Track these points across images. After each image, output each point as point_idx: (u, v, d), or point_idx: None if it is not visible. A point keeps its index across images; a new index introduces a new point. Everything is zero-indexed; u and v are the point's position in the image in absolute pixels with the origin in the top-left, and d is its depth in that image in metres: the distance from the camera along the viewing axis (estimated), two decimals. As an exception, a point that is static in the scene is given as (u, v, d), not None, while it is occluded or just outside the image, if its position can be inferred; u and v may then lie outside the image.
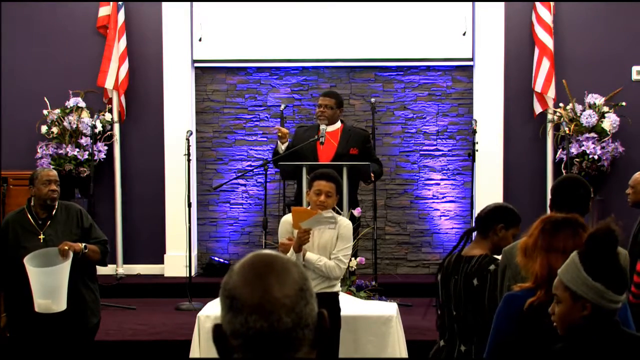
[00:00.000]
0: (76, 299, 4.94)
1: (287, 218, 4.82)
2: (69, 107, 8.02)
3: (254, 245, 8.14)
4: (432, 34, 8.12)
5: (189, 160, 7.33)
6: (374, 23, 8.14)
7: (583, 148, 7.56)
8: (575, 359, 2.43)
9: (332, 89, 7.91)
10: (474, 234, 3.92)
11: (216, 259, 8.14)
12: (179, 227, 7.79)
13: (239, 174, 8.13)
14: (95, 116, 7.88)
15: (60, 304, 4.84)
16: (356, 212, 5.96)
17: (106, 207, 8.11)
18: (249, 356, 1.56)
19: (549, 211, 4.15)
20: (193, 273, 7.45)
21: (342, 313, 4.82)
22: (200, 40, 8.21)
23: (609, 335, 2.42)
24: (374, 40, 8.15)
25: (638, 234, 5.09)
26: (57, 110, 7.98)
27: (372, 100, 7.59)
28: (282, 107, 7.62)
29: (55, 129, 7.92)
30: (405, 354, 5.17)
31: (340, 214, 5.36)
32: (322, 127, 6.37)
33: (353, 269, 5.75)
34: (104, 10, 8.10)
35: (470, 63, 8.14)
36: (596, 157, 7.55)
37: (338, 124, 6.61)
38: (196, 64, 8.31)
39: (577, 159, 7.61)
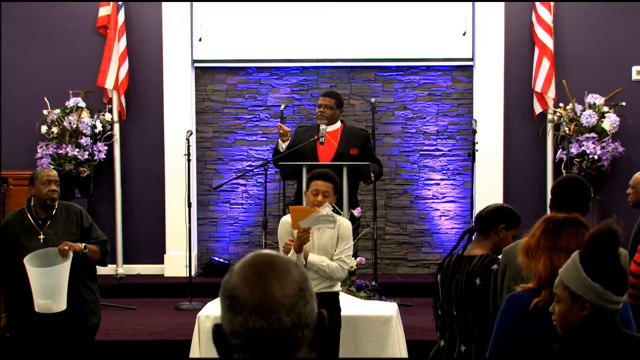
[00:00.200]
0: (76, 299, 4.94)
1: (287, 218, 4.81)
2: (69, 107, 8.02)
3: (254, 245, 8.14)
4: (432, 34, 8.12)
5: (189, 160, 7.33)
6: (374, 23, 8.14)
7: (583, 148, 7.56)
8: (572, 359, 2.43)
9: (332, 89, 7.91)
10: (473, 234, 3.93)
11: (216, 259, 8.14)
12: (179, 227, 7.79)
13: (239, 174, 8.13)
14: (95, 116, 7.88)
15: (60, 304, 4.84)
16: (356, 212, 5.96)
17: (106, 207, 8.11)
18: (249, 356, 1.56)
19: (549, 211, 4.14)
20: (193, 273, 7.45)
21: (342, 313, 4.81)
22: (200, 40, 8.21)
23: (607, 335, 2.42)
24: (374, 40, 8.15)
25: (638, 234, 5.09)
26: (57, 110, 7.98)
27: (372, 100, 7.59)
28: (282, 107, 7.62)
29: (55, 129, 7.92)
30: (405, 354, 5.17)
31: (340, 214, 5.35)
32: (322, 127, 6.37)
33: (353, 269, 5.75)
34: (104, 10, 8.11)
35: (470, 63, 8.14)
36: (596, 157, 7.55)
37: (338, 124, 6.61)
38: (196, 64, 8.31)
39: (577, 159, 7.61)
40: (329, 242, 4.72)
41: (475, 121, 7.63)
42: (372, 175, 6.36)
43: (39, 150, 7.92)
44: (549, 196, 4.48)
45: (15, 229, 4.98)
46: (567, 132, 7.64)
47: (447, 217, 8.24)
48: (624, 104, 7.70)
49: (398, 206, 8.27)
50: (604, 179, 7.78)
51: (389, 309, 5.30)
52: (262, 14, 8.19)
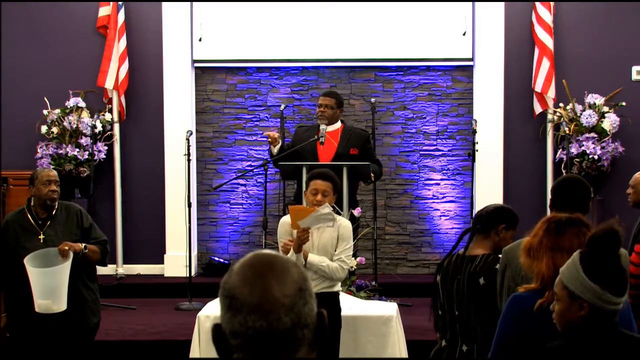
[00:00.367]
0: (76, 299, 4.94)
1: (286, 219, 4.81)
2: (69, 107, 8.02)
3: (254, 245, 8.14)
4: (432, 34, 8.12)
5: (189, 160, 7.33)
6: (374, 23, 8.14)
7: (583, 148, 7.56)
8: (570, 359, 2.43)
9: (332, 89, 7.91)
10: (474, 234, 3.94)
11: (216, 259, 8.14)
12: (179, 227, 7.79)
13: (239, 174, 8.13)
14: (95, 116, 7.88)
15: (61, 304, 4.84)
16: (356, 212, 5.96)
17: (106, 207, 8.11)
18: (248, 356, 1.56)
19: (549, 211, 4.14)
20: (193, 273, 7.45)
21: (342, 313, 4.81)
22: (200, 40, 8.21)
23: (605, 335, 2.42)
24: (374, 40, 8.15)
25: (638, 234, 5.09)
26: (57, 110, 7.98)
27: (372, 100, 7.59)
28: (282, 107, 7.62)
29: (55, 129, 7.92)
30: (405, 354, 5.17)
31: (340, 214, 5.35)
32: (322, 127, 6.36)
33: (353, 269, 5.75)
34: (104, 10, 8.11)
35: (470, 63, 8.14)
36: (596, 157, 7.55)
37: (338, 124, 6.61)
38: (196, 64, 8.31)
39: (577, 159, 7.61)
40: (328, 242, 4.72)
41: (475, 121, 7.63)
42: (372, 175, 6.36)
43: (39, 150, 7.92)
44: (549, 196, 4.48)
45: (15, 229, 4.98)
46: (567, 132, 7.64)
47: (447, 217, 8.24)
48: (624, 104, 7.70)
49: (398, 206, 8.27)
50: (604, 179, 7.78)
51: (389, 309, 5.30)
52: (262, 14, 8.19)
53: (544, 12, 7.84)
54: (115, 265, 8.05)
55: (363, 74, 8.31)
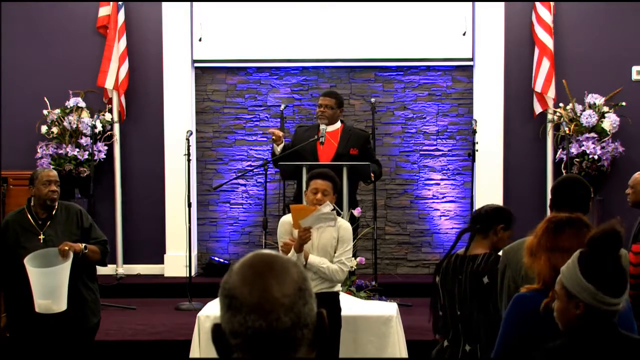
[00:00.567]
0: (76, 299, 4.94)
1: (286, 218, 4.82)
2: (69, 107, 8.02)
3: (254, 245, 8.13)
4: (432, 34, 8.12)
5: (189, 160, 7.33)
6: (374, 23, 8.14)
7: (583, 148, 7.56)
8: (567, 358, 2.44)
9: (332, 89, 7.91)
10: (469, 234, 3.97)
11: (216, 259, 8.14)
12: (179, 227, 7.79)
13: (239, 174, 8.13)
14: (95, 116, 7.88)
15: (61, 304, 4.84)
16: (356, 212, 5.96)
17: (106, 207, 8.11)
18: (248, 356, 1.56)
19: (549, 211, 4.15)
20: (193, 273, 7.45)
21: (342, 313, 4.82)
22: (200, 40, 8.21)
23: (603, 336, 2.42)
24: (374, 40, 8.15)
25: (638, 234, 5.10)
26: (57, 110, 7.98)
27: (372, 100, 7.59)
28: (282, 107, 7.62)
29: (55, 129, 7.92)
30: (405, 354, 5.17)
31: (340, 214, 5.36)
32: (322, 127, 6.36)
33: (353, 269, 5.75)
34: (104, 10, 8.11)
35: (470, 63, 8.14)
36: (596, 157, 7.55)
37: (338, 124, 6.61)
38: (196, 64, 8.31)
39: (577, 159, 7.61)
40: (328, 243, 4.72)
41: (475, 121, 7.63)
42: (372, 175, 6.36)
43: (39, 150, 7.92)
44: (549, 196, 4.48)
45: (15, 229, 4.98)
46: (567, 132, 7.64)
47: (447, 217, 8.24)
48: (624, 104, 7.70)
49: (398, 206, 8.27)
50: (604, 179, 7.78)
51: (389, 309, 5.30)
52: (262, 14, 8.19)
53: (544, 12, 7.84)
54: (115, 265, 8.05)
55: (363, 74, 8.31)
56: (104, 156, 8.02)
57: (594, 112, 7.66)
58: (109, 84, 8.03)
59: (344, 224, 4.80)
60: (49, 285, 4.80)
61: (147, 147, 8.23)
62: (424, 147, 8.27)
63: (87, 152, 7.85)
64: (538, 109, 7.93)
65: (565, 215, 2.99)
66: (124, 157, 8.22)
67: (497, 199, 7.82)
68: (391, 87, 8.29)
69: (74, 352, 5.01)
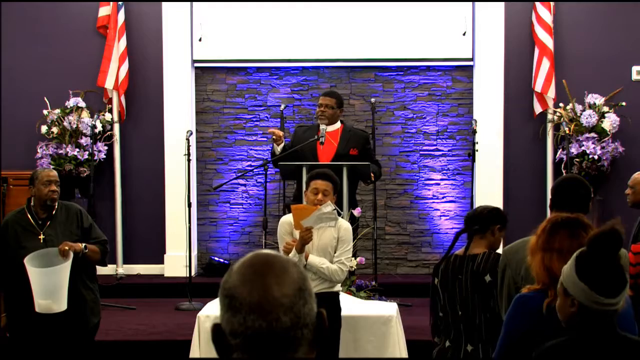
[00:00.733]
0: (76, 299, 4.94)
1: (286, 219, 4.82)
2: (69, 107, 8.02)
3: (254, 245, 8.13)
4: (432, 34, 8.12)
5: (189, 160, 7.33)
6: (374, 23, 8.14)
7: (583, 148, 7.56)
8: (562, 357, 2.44)
9: (332, 89, 7.90)
10: (465, 235, 4.01)
11: (216, 259, 8.14)
12: (179, 227, 7.79)
13: (239, 174, 8.13)
14: (95, 116, 7.87)
15: (61, 304, 4.84)
16: (356, 212, 5.96)
17: (106, 207, 8.11)
18: (248, 355, 1.56)
19: (549, 211, 4.15)
20: (193, 273, 7.45)
21: (342, 313, 4.82)
22: (200, 40, 8.21)
23: (598, 335, 2.43)
24: (374, 40, 8.15)
25: (638, 234, 5.10)
26: (57, 110, 7.98)
27: (372, 100, 7.59)
28: (282, 107, 7.62)
29: (55, 129, 7.92)
30: (405, 354, 5.17)
31: (340, 214, 5.36)
32: (322, 127, 6.36)
33: (353, 269, 5.75)
34: (104, 10, 8.11)
35: (470, 63, 8.14)
36: (596, 157, 7.55)
37: (338, 124, 6.61)
38: (196, 64, 8.31)
39: (577, 159, 7.60)
40: (328, 244, 4.72)
41: (475, 121, 7.63)
42: (372, 175, 6.36)
43: (39, 150, 7.92)
44: (549, 196, 4.49)
45: (15, 229, 4.98)
46: (567, 132, 7.63)
47: (447, 217, 8.24)
48: (624, 104, 7.70)
49: (398, 206, 8.27)
50: (604, 179, 7.78)
51: (389, 309, 5.30)
52: (262, 14, 8.19)
53: (544, 12, 7.84)
54: (115, 265, 8.05)
55: (363, 74, 8.31)
56: (104, 156, 8.02)
57: (594, 112, 7.66)
58: (109, 84, 8.03)
59: (344, 224, 4.81)
60: (49, 285, 4.80)
61: (147, 147, 8.23)
62: (424, 147, 8.27)
63: (87, 152, 7.85)
64: (538, 109, 7.93)
65: (565, 216, 3.00)
66: (124, 157, 8.22)
67: (497, 199, 7.83)
68: (391, 87, 8.29)
69: (74, 352, 5.01)
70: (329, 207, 4.58)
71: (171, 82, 8.17)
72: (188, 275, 7.24)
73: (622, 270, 2.44)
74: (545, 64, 7.79)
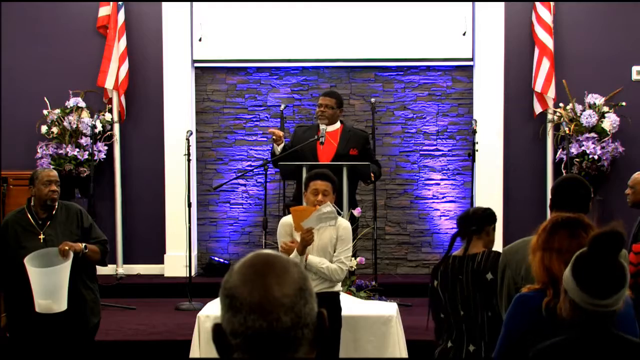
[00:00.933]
0: (76, 299, 4.94)
1: (286, 220, 4.82)
2: (69, 107, 8.02)
3: (254, 245, 8.14)
4: (432, 34, 8.12)
5: (189, 160, 7.33)
6: (374, 23, 8.14)
7: (583, 148, 7.56)
8: (558, 357, 2.45)
9: (332, 89, 7.90)
10: (468, 236, 4.03)
11: (216, 259, 8.14)
12: (179, 227, 7.79)
13: (239, 174, 8.13)
14: (95, 116, 7.88)
15: (61, 304, 4.84)
16: (356, 212, 5.96)
17: (106, 207, 8.11)
18: (249, 355, 1.56)
19: (549, 211, 4.16)
20: (193, 273, 7.45)
21: (342, 313, 4.82)
22: (200, 40, 8.21)
23: (594, 335, 2.43)
24: (374, 40, 8.15)
25: (638, 233, 5.10)
26: (57, 110, 7.98)
27: (372, 100, 7.59)
28: (282, 107, 7.61)
29: (55, 129, 7.92)
30: (405, 354, 5.17)
31: (340, 214, 5.36)
32: (322, 127, 6.36)
33: (353, 269, 5.75)
34: (104, 10, 8.11)
35: (470, 63, 8.14)
36: (596, 157, 7.55)
37: (338, 124, 6.60)
38: (196, 64, 8.31)
39: (577, 159, 7.61)
40: (328, 244, 4.73)
41: (475, 121, 7.63)
42: (372, 175, 6.36)
43: (39, 150, 7.92)
44: (549, 196, 4.49)
45: (15, 229, 4.98)
46: (567, 132, 7.64)
47: (447, 217, 8.24)
48: (624, 104, 7.70)
49: (398, 206, 8.27)
50: (604, 179, 7.78)
51: (389, 309, 5.30)
52: (262, 14, 8.19)
53: (544, 12, 7.84)
54: (115, 265, 8.05)
55: (363, 74, 8.31)
56: (104, 156, 8.02)
57: (594, 112, 7.66)
58: (109, 84, 8.03)
59: (344, 223, 4.81)
60: (49, 285, 4.80)
61: (147, 147, 8.23)
62: (424, 147, 8.27)
63: (87, 152, 7.85)
64: (538, 109, 7.93)
65: (565, 216, 3.00)
66: (124, 157, 8.22)
67: (497, 199, 7.83)
68: (391, 87, 8.29)
69: (74, 352, 5.01)
70: (328, 207, 4.58)
71: (171, 82, 8.17)
72: (188, 275, 7.24)
73: (621, 271, 2.43)
74: (545, 64, 7.79)
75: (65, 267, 4.81)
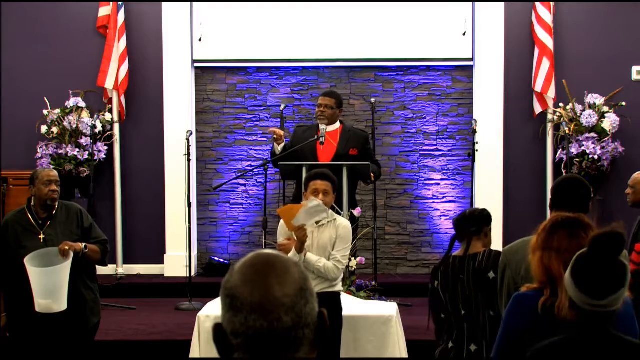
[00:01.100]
0: (76, 299, 4.94)
1: (285, 220, 4.82)
2: (69, 107, 8.02)
3: (254, 245, 8.14)
4: (432, 34, 8.12)
5: (189, 160, 7.33)
6: (374, 23, 8.14)
7: (583, 148, 7.56)
8: (555, 357, 2.45)
9: (332, 89, 7.90)
10: (468, 237, 4.04)
11: (216, 259, 8.14)
12: (179, 227, 7.79)
13: (239, 174, 8.13)
14: (95, 116, 7.88)
15: (61, 304, 4.84)
16: (356, 212, 5.96)
17: (106, 207, 8.11)
18: (249, 355, 1.56)
19: (549, 211, 4.16)
20: (193, 273, 7.45)
21: (343, 313, 4.82)
22: (200, 40, 8.21)
23: (591, 335, 2.43)
24: (374, 40, 8.15)
25: (638, 233, 5.10)
26: (57, 110, 7.98)
27: (372, 100, 7.59)
28: (282, 107, 7.61)
29: (55, 129, 7.92)
30: (405, 354, 5.17)
31: (340, 214, 5.36)
32: (322, 127, 6.36)
33: (353, 269, 5.75)
34: (104, 10, 8.11)
35: (470, 63, 8.14)
36: (596, 157, 7.55)
37: (337, 124, 6.60)
38: (196, 64, 8.31)
39: (577, 159, 7.61)
40: (328, 243, 4.73)
41: (475, 121, 7.63)
42: (372, 175, 6.36)
43: (39, 150, 7.92)
44: (549, 196, 4.49)
45: (15, 229, 4.98)
46: (567, 132, 7.64)
47: (447, 217, 8.23)
48: (624, 104, 7.71)
49: (398, 206, 8.27)
50: (604, 179, 7.78)
51: (389, 309, 5.30)
52: (262, 14, 8.19)
53: (544, 12, 7.84)
54: (115, 265, 8.05)
55: (363, 74, 8.31)
56: (104, 156, 8.02)
57: (594, 112, 7.66)
58: (109, 84, 8.03)
59: (344, 222, 4.81)
60: (49, 285, 4.80)
61: (147, 147, 8.23)
62: (424, 147, 8.28)
63: (87, 152, 7.85)
64: (538, 109, 7.93)
65: (565, 216, 3.00)
66: (124, 157, 8.22)
67: (497, 199, 7.84)
68: (391, 87, 8.29)
69: (74, 352, 5.01)
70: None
71: (171, 82, 8.17)
72: (188, 275, 7.24)
73: (621, 271, 2.43)
74: (545, 64, 7.79)
75: (65, 267, 4.81)
